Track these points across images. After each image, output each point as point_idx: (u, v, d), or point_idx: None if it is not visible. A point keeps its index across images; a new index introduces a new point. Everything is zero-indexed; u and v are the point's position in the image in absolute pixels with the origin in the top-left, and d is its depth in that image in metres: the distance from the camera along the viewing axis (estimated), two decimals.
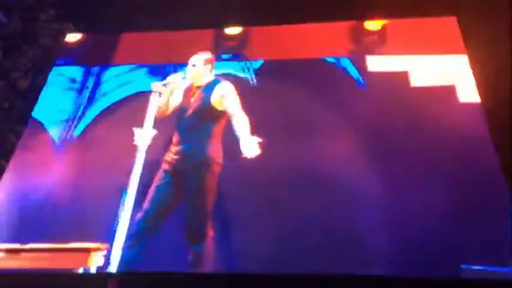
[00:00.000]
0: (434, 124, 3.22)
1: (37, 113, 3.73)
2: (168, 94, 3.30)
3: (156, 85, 3.33)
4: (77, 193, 3.26)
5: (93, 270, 2.77)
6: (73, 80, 3.94)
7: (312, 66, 3.66)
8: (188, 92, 3.30)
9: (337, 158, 3.17)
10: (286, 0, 4.12)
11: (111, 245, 2.87)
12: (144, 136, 3.28)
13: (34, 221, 3.10)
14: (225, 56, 3.90)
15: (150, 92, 3.33)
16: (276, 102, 3.50)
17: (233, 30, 4.04)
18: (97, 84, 3.87)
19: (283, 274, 2.77)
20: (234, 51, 3.93)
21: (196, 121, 3.15)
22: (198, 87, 3.27)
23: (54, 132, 3.61)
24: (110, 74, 3.92)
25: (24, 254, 2.92)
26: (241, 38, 3.98)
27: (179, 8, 4.23)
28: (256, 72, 3.72)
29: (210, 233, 2.96)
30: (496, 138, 3.09)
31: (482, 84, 3.38)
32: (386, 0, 3.75)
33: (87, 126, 3.62)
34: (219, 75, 3.76)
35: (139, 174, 3.17)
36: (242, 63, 3.83)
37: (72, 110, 3.73)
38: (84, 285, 2.75)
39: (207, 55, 3.39)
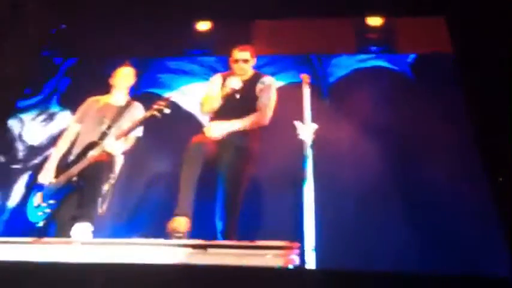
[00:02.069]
0: None
1: (187, 104, 3.68)
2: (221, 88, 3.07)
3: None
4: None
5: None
6: (214, 69, 3.87)
7: None
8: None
9: None
10: None
11: (302, 243, 2.85)
12: (307, 130, 3.24)
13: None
14: (373, 48, 3.80)
15: (300, 83, 3.25)
16: (434, 100, 3.42)
17: (376, 21, 3.90)
18: None
19: None
20: (381, 43, 3.82)
21: (243, 113, 2.92)
22: (244, 81, 3.01)
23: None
24: None
25: (211, 250, 2.92)
26: (386, 30, 3.86)
27: None
28: (411, 66, 3.63)
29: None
30: None
31: None
32: None
33: None
34: (367, 68, 3.70)
35: (311, 169, 3.13)
36: (391, 56, 3.74)
37: None
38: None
39: (251, 48, 3.16)
